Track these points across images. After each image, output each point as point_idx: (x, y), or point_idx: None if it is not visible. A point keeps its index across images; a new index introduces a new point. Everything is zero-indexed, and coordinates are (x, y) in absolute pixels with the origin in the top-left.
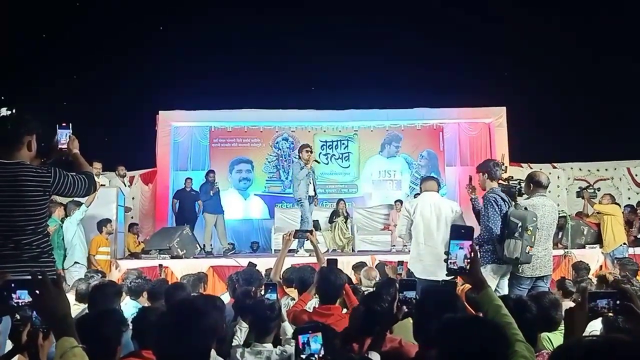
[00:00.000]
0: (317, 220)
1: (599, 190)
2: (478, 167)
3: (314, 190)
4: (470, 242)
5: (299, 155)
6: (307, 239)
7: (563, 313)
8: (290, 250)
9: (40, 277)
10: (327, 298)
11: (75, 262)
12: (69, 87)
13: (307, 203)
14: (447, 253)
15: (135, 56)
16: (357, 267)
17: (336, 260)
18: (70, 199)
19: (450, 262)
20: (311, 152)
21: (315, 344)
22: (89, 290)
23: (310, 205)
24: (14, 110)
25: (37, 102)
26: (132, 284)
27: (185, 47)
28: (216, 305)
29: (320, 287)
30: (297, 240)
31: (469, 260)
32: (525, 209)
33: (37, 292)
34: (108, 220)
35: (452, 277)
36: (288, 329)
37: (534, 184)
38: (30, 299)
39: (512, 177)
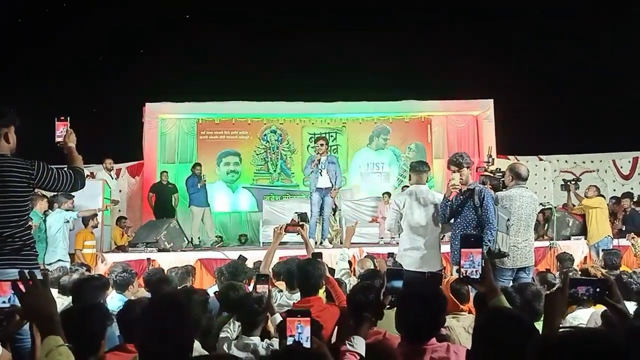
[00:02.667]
0: (305, 213)
1: (580, 181)
2: (463, 162)
3: (331, 182)
4: (481, 250)
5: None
6: (298, 233)
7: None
8: (280, 243)
9: (27, 275)
10: (307, 290)
11: (59, 260)
12: (54, 79)
13: (315, 196)
14: (458, 263)
15: (122, 48)
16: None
17: (320, 253)
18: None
19: (464, 271)
20: (321, 144)
21: (302, 330)
22: (73, 283)
23: (326, 197)
24: None
25: (24, 95)
26: (117, 278)
27: (172, 38)
28: (198, 299)
29: (298, 279)
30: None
31: (476, 269)
32: (496, 202)
33: (24, 290)
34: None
35: (465, 284)
36: (278, 321)
37: (514, 176)
38: (12, 304)
39: (499, 169)
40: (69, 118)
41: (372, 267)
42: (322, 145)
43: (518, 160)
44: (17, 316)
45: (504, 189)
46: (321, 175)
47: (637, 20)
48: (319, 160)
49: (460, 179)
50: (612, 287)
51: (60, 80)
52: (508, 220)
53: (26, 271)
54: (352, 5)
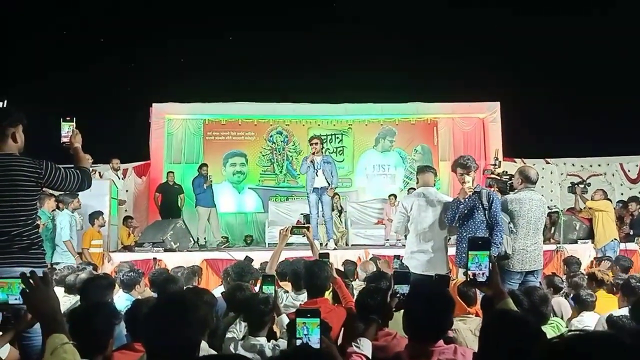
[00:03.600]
0: (309, 215)
1: (589, 186)
2: (472, 166)
3: (327, 181)
4: (488, 253)
5: None
6: (304, 235)
7: (551, 308)
8: (286, 244)
9: (28, 275)
10: (314, 291)
11: (58, 262)
12: (62, 79)
13: (312, 197)
14: (465, 266)
15: (130, 48)
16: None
17: (328, 254)
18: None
19: (471, 274)
20: (315, 143)
21: (312, 331)
22: (81, 282)
23: (322, 196)
24: None
25: (32, 94)
26: (124, 277)
27: (179, 39)
28: (205, 299)
29: (305, 280)
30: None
31: (484, 272)
32: (504, 205)
33: (27, 290)
34: (100, 213)
35: (472, 287)
36: (285, 321)
37: (524, 179)
38: (20, 302)
39: (506, 172)
40: (74, 118)
41: (375, 269)
42: (316, 144)
43: (525, 163)
44: (29, 315)
45: (510, 192)
46: (317, 175)
47: None
48: (312, 161)
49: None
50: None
51: (67, 80)
52: (509, 222)
53: (27, 271)
54: (359, 7)
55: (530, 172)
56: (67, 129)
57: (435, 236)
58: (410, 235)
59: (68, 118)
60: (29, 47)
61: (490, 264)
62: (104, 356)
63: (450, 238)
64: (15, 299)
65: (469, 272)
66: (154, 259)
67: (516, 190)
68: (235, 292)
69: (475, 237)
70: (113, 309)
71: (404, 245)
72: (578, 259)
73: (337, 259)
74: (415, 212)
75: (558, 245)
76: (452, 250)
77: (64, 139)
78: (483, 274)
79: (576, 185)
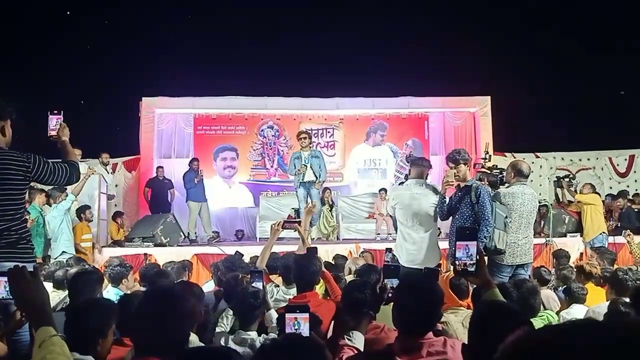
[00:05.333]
0: (299, 209)
1: (574, 179)
2: (460, 159)
3: (315, 175)
4: (476, 242)
5: None
6: (295, 230)
7: (540, 300)
8: (277, 239)
9: (18, 268)
10: (303, 285)
11: (63, 252)
12: (51, 72)
13: (300, 191)
14: (453, 256)
15: (120, 41)
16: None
17: (316, 248)
18: (52, 186)
19: (461, 264)
20: (304, 138)
21: (301, 325)
22: (69, 277)
23: (311, 190)
24: None
25: (21, 87)
26: (112, 271)
27: (169, 33)
28: (194, 293)
29: (295, 275)
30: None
31: (474, 262)
32: (497, 199)
33: (15, 282)
34: (87, 207)
35: (461, 277)
36: (274, 316)
37: (516, 173)
38: (6, 296)
39: (496, 166)
40: (62, 111)
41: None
42: (304, 139)
43: (515, 157)
44: (18, 314)
45: (501, 186)
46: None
47: (633, 19)
48: (298, 157)
49: (457, 175)
50: None
51: (56, 74)
52: (506, 217)
53: (20, 265)
54: (349, 2)
55: (523, 166)
56: (55, 122)
57: (426, 228)
58: (400, 226)
59: (55, 111)
60: (17, 40)
61: (478, 253)
62: (98, 353)
63: (441, 231)
64: (1, 296)
65: (458, 262)
66: (145, 254)
67: (508, 184)
68: (236, 282)
69: (463, 226)
70: (111, 307)
71: (395, 240)
72: (567, 252)
73: (327, 253)
74: (406, 204)
75: (547, 239)
76: (443, 244)
77: (51, 132)
78: (472, 263)
79: (562, 179)
